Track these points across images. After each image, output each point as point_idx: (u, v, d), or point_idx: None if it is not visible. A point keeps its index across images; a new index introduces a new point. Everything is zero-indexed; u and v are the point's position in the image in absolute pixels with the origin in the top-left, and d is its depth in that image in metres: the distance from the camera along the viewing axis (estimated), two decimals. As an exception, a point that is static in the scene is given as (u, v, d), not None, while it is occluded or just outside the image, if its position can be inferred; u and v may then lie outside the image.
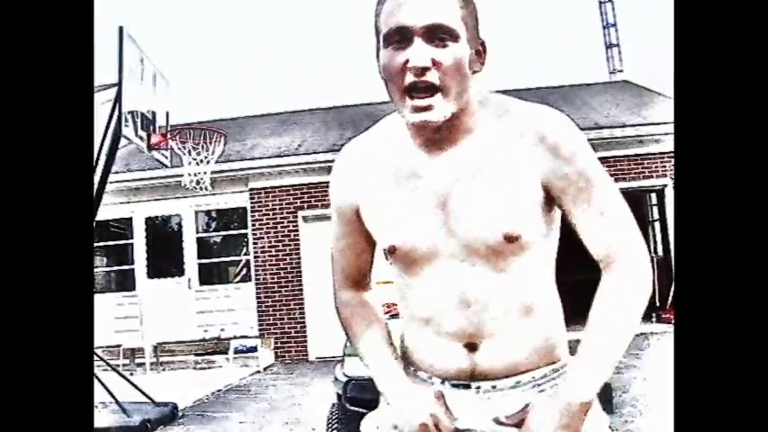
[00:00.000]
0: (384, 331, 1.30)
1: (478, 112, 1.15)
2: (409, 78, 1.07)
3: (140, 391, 5.98)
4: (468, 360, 1.18)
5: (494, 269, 1.14)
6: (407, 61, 1.06)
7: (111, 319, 9.99)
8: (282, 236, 10.26)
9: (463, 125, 1.13)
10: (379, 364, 1.26)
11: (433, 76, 1.06)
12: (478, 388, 1.19)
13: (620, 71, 17.75)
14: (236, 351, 9.42)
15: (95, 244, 9.85)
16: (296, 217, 10.25)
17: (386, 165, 1.19)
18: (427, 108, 1.07)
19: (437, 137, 1.14)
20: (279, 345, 9.91)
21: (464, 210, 1.13)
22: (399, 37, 1.07)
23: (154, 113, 6.55)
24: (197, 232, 10.78)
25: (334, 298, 1.36)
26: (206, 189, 7.51)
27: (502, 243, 1.11)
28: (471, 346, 1.17)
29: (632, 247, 1.13)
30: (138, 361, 9.50)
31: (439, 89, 1.07)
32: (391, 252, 1.19)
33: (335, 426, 3.87)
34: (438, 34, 1.06)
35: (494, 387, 1.18)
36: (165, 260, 10.82)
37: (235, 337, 9.76)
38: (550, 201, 1.14)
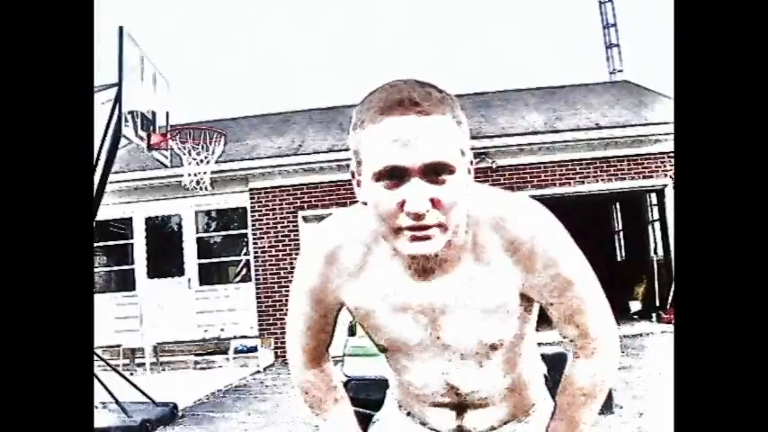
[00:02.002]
0: (347, 404, 1.36)
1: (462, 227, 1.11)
2: (406, 221, 0.99)
3: (140, 391, 5.98)
4: (455, 421, 1.28)
5: (479, 363, 1.20)
6: (403, 202, 0.98)
7: (111, 319, 10.00)
8: (282, 236, 10.26)
9: (453, 250, 1.10)
10: None
11: (431, 218, 0.99)
12: None
13: (620, 71, 17.75)
14: (236, 351, 9.42)
15: (95, 244, 9.86)
16: (296, 217, 10.25)
17: (374, 278, 1.16)
18: (424, 239, 1.00)
19: (427, 266, 1.12)
20: (279, 345, 9.91)
21: (451, 326, 1.16)
22: (393, 176, 0.98)
23: (154, 113, 6.55)
24: (197, 232, 10.78)
25: (293, 375, 1.36)
26: (206, 189, 7.51)
27: (487, 350, 1.18)
28: (459, 411, 1.27)
29: (600, 340, 1.18)
30: (138, 361, 9.50)
31: (437, 225, 1.00)
32: (381, 349, 1.25)
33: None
34: (436, 171, 0.98)
35: None
36: (165, 260, 10.83)
37: (235, 337, 9.76)
38: (529, 299, 1.17)
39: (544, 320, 1.26)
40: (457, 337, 1.16)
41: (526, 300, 1.16)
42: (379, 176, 0.99)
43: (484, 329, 1.15)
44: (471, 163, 1.07)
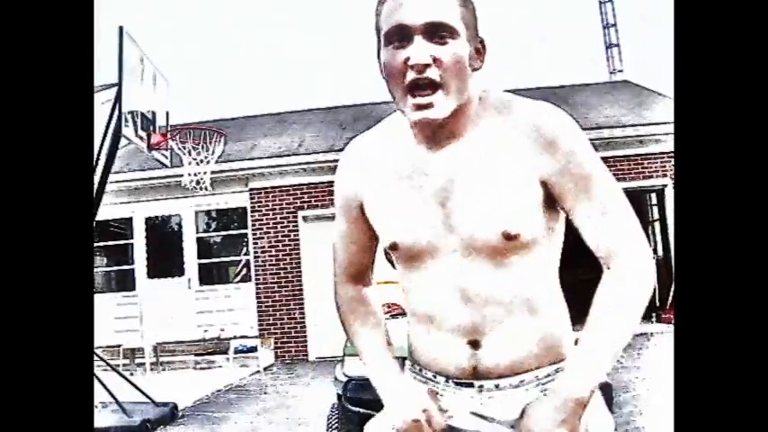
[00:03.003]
0: (382, 328, 1.33)
1: (479, 108, 1.16)
2: (410, 76, 1.08)
3: (140, 391, 5.98)
4: (470, 358, 1.18)
5: (494, 265, 1.14)
6: (408, 59, 1.07)
7: (111, 319, 9.99)
8: (282, 236, 10.26)
9: (463, 122, 1.14)
10: (375, 362, 1.30)
11: (433, 73, 1.07)
12: (481, 387, 1.19)
13: (620, 71, 17.76)
14: (236, 351, 9.42)
15: (95, 244, 9.85)
16: (296, 217, 10.25)
17: (389, 161, 1.21)
18: (428, 105, 1.08)
19: (438, 134, 1.15)
20: (279, 345, 9.91)
21: (464, 207, 1.14)
22: (400, 35, 1.08)
23: (154, 113, 6.55)
24: (197, 232, 10.78)
25: (334, 292, 1.37)
26: (206, 189, 7.50)
27: (501, 240, 1.11)
28: (474, 343, 1.17)
29: (633, 244, 1.11)
30: (138, 361, 9.49)
31: (439, 86, 1.08)
32: (393, 248, 1.20)
33: (335, 426, 3.87)
34: (438, 32, 1.07)
35: (497, 386, 1.18)
36: (165, 260, 10.82)
37: (235, 337, 9.76)
38: (551, 199, 1.13)
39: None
40: (470, 220, 1.13)
41: (548, 194, 1.12)
42: (389, 39, 1.10)
43: (499, 213, 1.11)
44: (482, 45, 1.15)
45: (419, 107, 1.09)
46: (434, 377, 1.24)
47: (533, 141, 1.11)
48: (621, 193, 1.14)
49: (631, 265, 1.10)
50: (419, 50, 1.07)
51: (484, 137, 1.14)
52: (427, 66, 1.07)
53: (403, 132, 1.20)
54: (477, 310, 1.16)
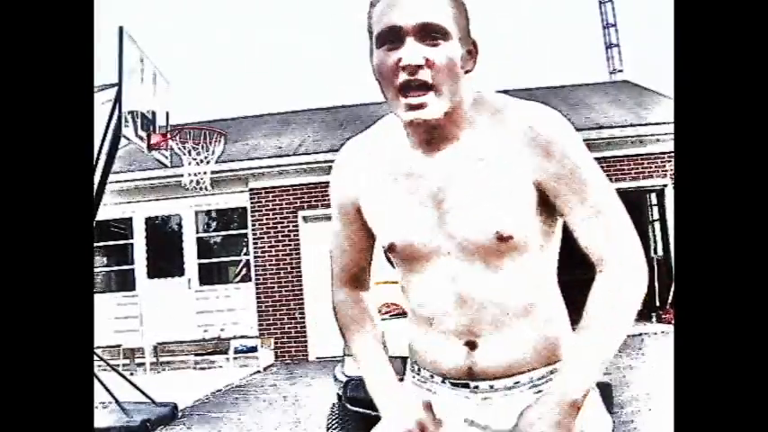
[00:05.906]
0: (378, 334, 1.33)
1: (472, 110, 1.15)
2: (402, 77, 1.07)
3: (140, 391, 5.98)
4: (466, 358, 1.19)
5: (490, 268, 1.15)
6: (400, 60, 1.07)
7: (111, 319, 9.99)
8: (282, 236, 10.26)
9: (457, 124, 1.14)
10: (370, 368, 1.30)
11: (425, 75, 1.07)
12: (476, 387, 1.20)
13: (620, 71, 17.77)
14: (236, 351, 9.42)
15: (95, 244, 9.85)
16: (296, 217, 10.25)
17: (384, 163, 1.21)
18: (420, 106, 1.08)
19: (432, 136, 1.15)
20: (279, 345, 9.91)
21: (458, 209, 1.14)
22: (392, 37, 1.08)
23: (154, 113, 6.55)
24: (197, 232, 10.78)
25: (331, 295, 1.37)
26: (206, 189, 7.51)
27: (494, 242, 1.12)
28: (470, 344, 1.18)
29: (627, 247, 1.11)
30: (138, 361, 9.50)
31: (432, 87, 1.08)
32: (391, 249, 1.21)
33: (336, 426, 3.87)
34: (430, 33, 1.07)
35: (491, 387, 1.19)
36: (165, 260, 10.82)
37: (235, 337, 9.76)
38: (547, 202, 1.13)
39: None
40: (463, 222, 1.13)
41: (543, 197, 1.12)
42: (381, 40, 1.10)
43: (491, 215, 1.11)
44: (474, 47, 1.14)
45: (411, 107, 1.08)
46: (432, 377, 1.25)
47: (527, 144, 1.11)
48: (615, 196, 1.13)
49: (624, 268, 1.10)
50: (411, 52, 1.06)
51: (478, 139, 1.14)
52: (419, 67, 1.06)
53: (397, 134, 1.19)
54: (472, 313, 1.17)
